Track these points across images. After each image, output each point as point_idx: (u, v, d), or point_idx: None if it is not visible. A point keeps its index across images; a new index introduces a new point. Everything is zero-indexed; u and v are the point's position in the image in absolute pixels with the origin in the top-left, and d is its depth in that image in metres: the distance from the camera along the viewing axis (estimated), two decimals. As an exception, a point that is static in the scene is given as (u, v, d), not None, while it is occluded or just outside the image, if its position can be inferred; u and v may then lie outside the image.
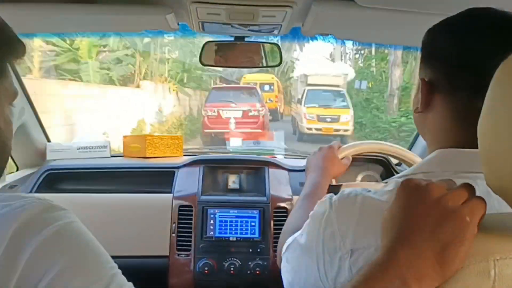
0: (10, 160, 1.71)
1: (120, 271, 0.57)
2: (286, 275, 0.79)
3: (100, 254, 0.57)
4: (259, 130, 11.14)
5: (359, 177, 1.81)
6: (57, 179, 1.74)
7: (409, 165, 1.53)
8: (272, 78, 17.49)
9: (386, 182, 0.71)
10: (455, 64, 0.66)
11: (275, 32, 1.34)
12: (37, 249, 0.51)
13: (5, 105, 0.62)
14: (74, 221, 0.56)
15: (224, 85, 14.97)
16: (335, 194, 1.43)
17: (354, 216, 0.63)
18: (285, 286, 0.80)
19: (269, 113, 13.33)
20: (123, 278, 0.57)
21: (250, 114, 11.75)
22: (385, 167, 1.83)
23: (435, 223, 0.51)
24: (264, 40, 1.45)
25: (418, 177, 0.59)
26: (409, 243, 0.51)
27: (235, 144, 2.67)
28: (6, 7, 1.10)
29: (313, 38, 1.43)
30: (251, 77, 16.59)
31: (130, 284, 0.58)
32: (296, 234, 0.77)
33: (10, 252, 0.50)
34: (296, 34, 1.46)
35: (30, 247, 0.50)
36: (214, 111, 11.69)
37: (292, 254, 0.76)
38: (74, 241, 0.55)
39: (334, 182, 1.74)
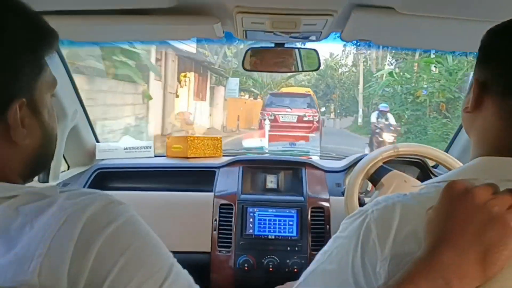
0: (62, 158, 1.84)
1: (175, 259, 0.61)
2: None
3: (159, 244, 0.60)
4: (313, 135, 11.67)
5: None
6: (106, 178, 1.85)
7: (447, 168, 1.55)
8: (308, 91, 17.43)
9: (422, 186, 0.72)
10: (510, 67, 0.65)
11: (314, 38, 1.38)
12: (105, 243, 0.54)
13: (47, 97, 0.64)
14: (134, 215, 0.60)
15: (282, 91, 15.72)
16: (379, 174, 1.48)
17: (393, 223, 0.63)
18: None
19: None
20: (179, 266, 0.61)
21: (304, 119, 12.26)
22: (421, 169, 1.85)
23: (480, 226, 0.53)
24: (303, 46, 1.50)
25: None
26: (453, 244, 0.53)
27: (250, 144, 2.71)
28: (64, 18, 1.20)
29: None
30: (286, 90, 17.13)
31: (186, 271, 0.61)
32: (310, 269, 0.73)
33: (81, 246, 0.52)
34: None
35: (98, 242, 0.53)
36: (271, 115, 12.33)
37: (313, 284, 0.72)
38: (137, 234, 0.58)
39: (370, 187, 1.77)
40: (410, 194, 0.68)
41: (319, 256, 0.74)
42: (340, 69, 27.97)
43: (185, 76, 14.18)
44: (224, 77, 18.56)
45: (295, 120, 12.23)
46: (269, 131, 11.26)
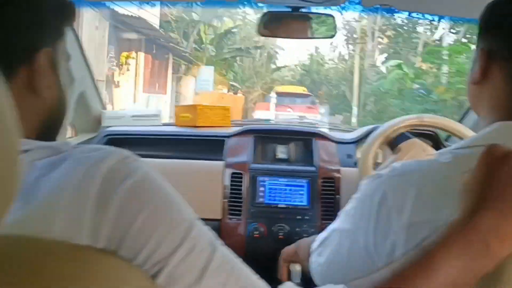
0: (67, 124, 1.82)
1: (196, 215, 0.61)
2: (318, 269, 0.77)
3: (178, 200, 0.60)
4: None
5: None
6: (116, 144, 1.82)
7: (460, 138, 1.54)
8: (304, 90, 17.41)
9: (439, 153, 0.71)
10: None
11: (333, 2, 1.35)
12: (124, 196, 0.53)
13: (63, 63, 0.67)
14: (150, 170, 0.59)
15: (283, 91, 15.49)
16: (395, 142, 1.47)
17: (410, 192, 0.63)
18: (317, 280, 0.77)
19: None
20: (200, 222, 0.61)
21: (305, 120, 12.04)
22: (434, 142, 1.83)
23: None
24: (320, 12, 1.47)
25: (476, 150, 0.60)
26: (493, 207, 0.52)
27: (261, 115, 2.69)
28: None
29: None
30: (284, 89, 16.98)
31: (207, 228, 0.62)
32: (332, 227, 0.76)
33: (101, 198, 0.52)
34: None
35: (117, 196, 0.53)
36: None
37: (331, 244, 0.74)
38: (155, 190, 0.57)
39: (381, 159, 1.77)
40: (428, 161, 0.68)
41: (342, 215, 0.75)
42: (326, 64, 27.07)
43: (128, 57, 10.78)
44: (196, 65, 15.86)
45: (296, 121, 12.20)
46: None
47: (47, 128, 0.65)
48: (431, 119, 1.54)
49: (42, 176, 0.53)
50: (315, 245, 0.80)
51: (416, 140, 1.48)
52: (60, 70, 0.66)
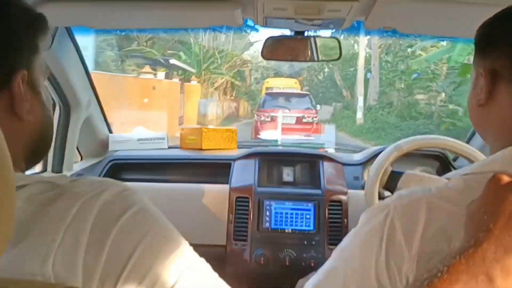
0: (75, 149, 1.82)
1: (192, 247, 0.61)
2: None
3: (175, 232, 0.60)
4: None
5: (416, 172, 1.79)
6: (120, 169, 1.83)
7: (469, 160, 1.50)
8: (296, 83, 16.63)
9: (448, 178, 0.69)
10: None
11: (335, 26, 1.34)
12: (120, 232, 0.53)
13: (42, 80, 0.66)
14: (148, 203, 0.59)
15: (278, 90, 14.42)
16: (394, 181, 1.42)
17: (420, 220, 0.61)
18: None
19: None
20: (196, 254, 0.61)
21: (304, 120, 11.49)
22: (442, 162, 1.80)
23: None
24: (324, 35, 1.46)
25: (488, 176, 0.56)
26: (498, 239, 0.50)
27: (269, 136, 2.68)
28: (80, 5, 1.17)
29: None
30: (274, 82, 16.11)
31: (203, 259, 0.61)
32: (326, 268, 0.68)
33: (96, 235, 0.51)
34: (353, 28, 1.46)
35: (114, 231, 0.52)
36: (268, 117, 11.42)
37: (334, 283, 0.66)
38: (153, 222, 0.57)
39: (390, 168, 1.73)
40: (436, 188, 0.65)
41: (338, 253, 0.70)
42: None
43: None
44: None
45: (294, 122, 11.39)
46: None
47: (33, 152, 0.64)
48: (409, 144, 1.49)
49: (38, 212, 0.52)
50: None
51: (408, 174, 1.42)
52: (41, 88, 0.64)
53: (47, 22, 0.66)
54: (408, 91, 14.19)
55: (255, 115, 12.06)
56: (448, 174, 0.73)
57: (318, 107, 13.06)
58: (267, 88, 15.49)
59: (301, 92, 14.76)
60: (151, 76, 12.40)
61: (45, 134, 0.66)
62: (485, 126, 0.71)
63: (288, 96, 12.90)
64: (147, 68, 12.85)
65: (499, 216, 0.51)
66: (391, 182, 1.45)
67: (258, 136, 11.00)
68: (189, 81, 14.96)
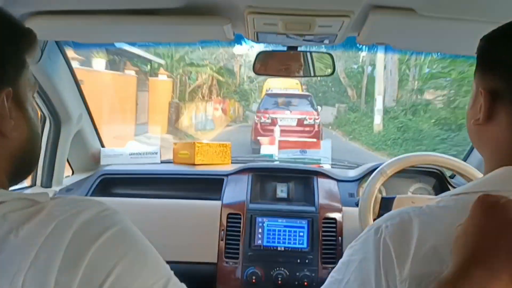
0: (66, 163, 1.80)
1: (172, 272, 0.59)
2: None
3: (155, 255, 0.58)
4: (315, 140, 9.56)
5: (411, 189, 1.76)
6: (111, 184, 1.80)
7: (466, 178, 1.48)
8: (297, 84, 15.70)
9: (439, 199, 0.67)
10: None
11: (329, 41, 1.32)
12: (98, 252, 0.51)
13: (30, 95, 0.64)
14: (129, 223, 0.58)
15: (279, 91, 13.74)
16: (386, 207, 1.39)
17: (412, 241, 0.59)
18: None
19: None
20: (176, 279, 0.58)
21: (305, 122, 11.04)
22: (438, 180, 1.77)
23: None
24: (317, 50, 1.45)
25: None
26: (484, 263, 0.48)
27: (267, 151, 2.66)
28: (70, 18, 1.15)
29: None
30: (275, 83, 15.04)
31: (184, 285, 0.59)
32: None
33: (71, 255, 0.50)
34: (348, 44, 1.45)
35: (90, 251, 0.51)
36: (268, 118, 11.05)
37: None
38: (132, 244, 0.56)
39: (385, 193, 1.70)
40: (427, 207, 0.64)
41: (333, 279, 0.67)
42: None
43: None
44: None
45: (295, 124, 10.97)
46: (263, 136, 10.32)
47: (19, 169, 0.63)
48: (393, 167, 1.46)
49: (12, 230, 0.50)
50: None
51: (399, 198, 1.40)
52: (27, 104, 0.62)
53: (35, 37, 0.64)
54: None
55: (255, 117, 11.52)
56: (442, 194, 0.71)
57: (319, 108, 12.45)
58: (267, 89, 14.89)
59: (303, 93, 14.10)
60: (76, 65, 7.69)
61: (31, 150, 0.64)
62: (481, 144, 0.70)
63: (289, 97, 12.31)
64: (71, 53, 10.49)
65: (484, 239, 0.50)
66: (384, 208, 1.42)
67: (258, 138, 10.71)
68: (156, 75, 11.60)
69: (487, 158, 0.69)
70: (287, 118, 11.13)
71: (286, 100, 11.86)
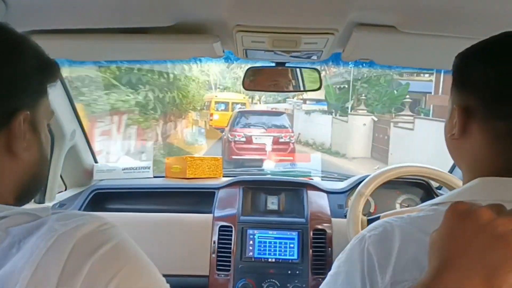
0: (59, 179, 1.82)
1: (169, 285, 0.60)
2: None
3: (152, 269, 0.59)
4: (290, 158, 10.15)
5: (399, 200, 1.80)
6: (104, 199, 1.82)
7: (451, 188, 1.52)
8: (244, 98, 15.94)
9: (420, 209, 0.70)
10: (494, 92, 0.64)
11: (316, 57, 1.37)
12: (95, 265, 0.52)
13: (45, 122, 0.67)
14: (126, 237, 0.59)
15: (252, 109, 13.90)
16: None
17: (393, 249, 0.62)
18: None
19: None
20: None
21: (280, 140, 10.95)
22: (425, 191, 1.81)
23: (484, 247, 0.50)
24: (304, 66, 1.49)
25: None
26: (456, 266, 0.50)
27: (270, 166, 2.70)
28: (63, 37, 1.19)
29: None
30: (223, 96, 15.47)
31: None
32: None
33: (69, 269, 0.51)
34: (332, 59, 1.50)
35: (88, 264, 0.52)
36: (243, 136, 10.87)
37: None
38: (130, 257, 0.57)
39: (373, 206, 1.74)
40: (408, 217, 0.66)
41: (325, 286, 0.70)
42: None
43: None
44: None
45: (271, 142, 10.80)
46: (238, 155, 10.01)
47: (26, 190, 0.64)
48: (370, 186, 1.52)
49: (14, 243, 0.52)
50: None
51: (385, 216, 1.45)
52: (41, 129, 0.65)
53: (58, 69, 0.68)
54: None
55: (229, 135, 11.12)
56: (422, 204, 0.74)
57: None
58: (216, 103, 14.99)
59: (277, 110, 14.19)
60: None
61: (39, 172, 0.67)
62: (458, 158, 0.72)
63: (264, 114, 12.21)
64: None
65: (456, 244, 0.52)
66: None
67: (233, 157, 10.35)
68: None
69: (464, 170, 0.71)
70: (262, 136, 10.97)
71: (259, 118, 11.73)
